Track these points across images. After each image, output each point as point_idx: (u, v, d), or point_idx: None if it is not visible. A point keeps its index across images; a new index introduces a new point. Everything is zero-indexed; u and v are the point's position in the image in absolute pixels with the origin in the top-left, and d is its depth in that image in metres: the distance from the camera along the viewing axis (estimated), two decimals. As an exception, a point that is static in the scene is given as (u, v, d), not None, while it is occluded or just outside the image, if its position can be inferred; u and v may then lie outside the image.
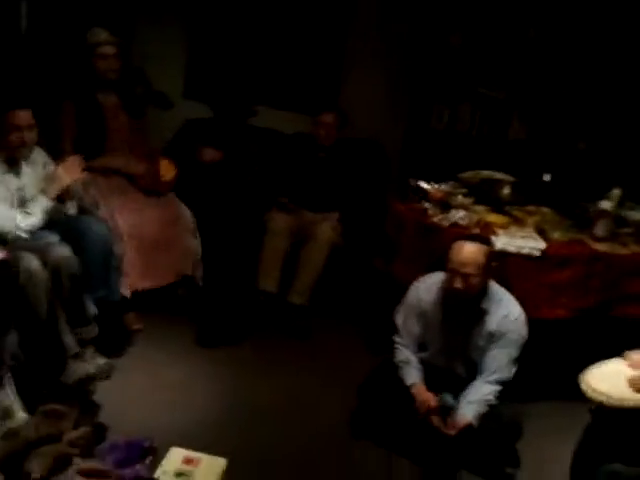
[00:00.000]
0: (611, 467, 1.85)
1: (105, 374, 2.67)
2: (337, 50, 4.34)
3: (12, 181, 2.84)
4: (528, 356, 2.66)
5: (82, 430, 1.49)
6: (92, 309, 2.80)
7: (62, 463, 1.36)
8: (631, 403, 1.84)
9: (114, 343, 3.02)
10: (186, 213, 3.50)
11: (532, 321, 2.71)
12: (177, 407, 2.77)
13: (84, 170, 2.99)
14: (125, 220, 3.19)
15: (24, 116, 2.78)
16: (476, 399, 2.56)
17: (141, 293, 3.25)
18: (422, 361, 2.74)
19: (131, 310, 3.21)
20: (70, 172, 2.91)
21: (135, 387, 2.83)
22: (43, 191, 2.85)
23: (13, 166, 2.85)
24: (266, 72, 4.40)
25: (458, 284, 2.55)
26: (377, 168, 4.22)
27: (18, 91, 3.38)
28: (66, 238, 2.85)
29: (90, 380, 2.60)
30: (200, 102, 4.31)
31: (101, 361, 2.71)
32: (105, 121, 3.40)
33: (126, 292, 3.14)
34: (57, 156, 3.12)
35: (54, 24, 3.92)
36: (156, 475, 2.24)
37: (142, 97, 3.78)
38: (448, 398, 2.61)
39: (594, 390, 1.93)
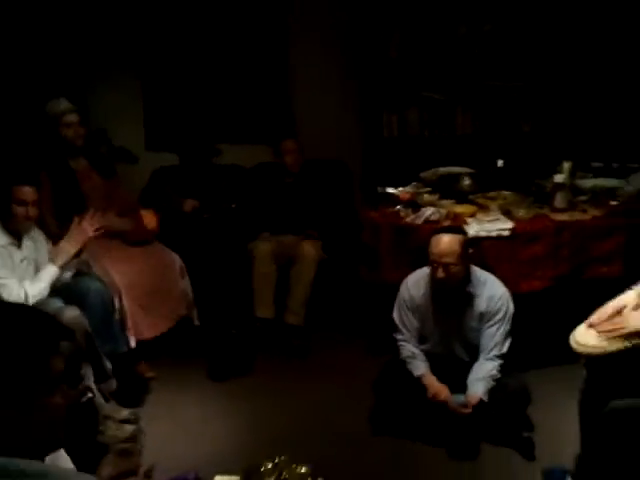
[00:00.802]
0: (613, 404, 2.07)
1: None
2: (282, 77, 4.56)
3: (16, 253, 2.96)
4: (519, 328, 2.88)
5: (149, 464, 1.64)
6: (108, 364, 2.91)
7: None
8: (614, 348, 2.07)
9: (132, 394, 3.13)
10: (174, 257, 3.65)
11: (516, 295, 2.94)
12: (206, 440, 2.89)
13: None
14: (120, 274, 3.31)
15: (29, 192, 2.93)
16: (482, 376, 2.77)
17: (148, 341, 3.36)
18: (426, 352, 2.92)
19: (141, 360, 3.32)
20: (74, 242, 3.06)
21: (161, 431, 2.92)
22: (50, 260, 2.98)
23: (16, 239, 2.98)
24: (220, 110, 4.59)
25: (440, 274, 2.76)
26: (342, 184, 4.44)
27: (21, 167, 3.49)
28: (68, 301, 2.96)
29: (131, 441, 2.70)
30: (163, 152, 4.47)
31: (125, 412, 2.82)
32: (80, 185, 3.52)
33: (132, 342, 3.26)
34: (42, 227, 3.25)
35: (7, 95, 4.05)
36: (208, 504, 2.36)
37: (108, 156, 3.91)
38: (460, 397, 2.77)
39: (579, 344, 2.16)
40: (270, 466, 0.97)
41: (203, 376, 3.43)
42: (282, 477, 0.98)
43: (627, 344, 2.05)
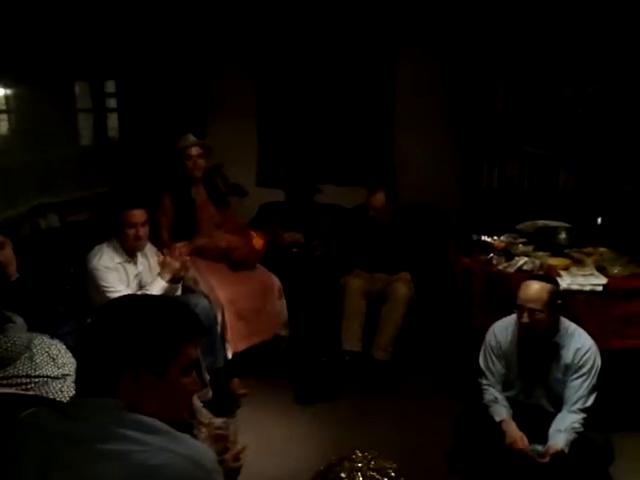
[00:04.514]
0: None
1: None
2: (387, 129, 4.82)
3: (131, 269, 3.30)
4: (606, 385, 2.86)
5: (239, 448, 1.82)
6: (206, 374, 3.16)
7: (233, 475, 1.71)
8: None
9: (224, 406, 3.34)
10: (274, 279, 3.93)
11: (605, 352, 2.92)
12: (287, 458, 3.05)
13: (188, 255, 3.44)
14: (223, 292, 3.60)
15: (139, 214, 3.26)
16: (564, 428, 2.75)
17: (242, 360, 3.60)
18: (509, 399, 2.95)
19: (234, 377, 3.55)
20: (177, 258, 3.35)
21: (246, 443, 3.11)
22: (159, 275, 3.29)
23: (131, 256, 3.32)
24: (326, 154, 4.92)
25: (525, 319, 2.81)
26: (438, 229, 4.57)
27: (132, 192, 3.89)
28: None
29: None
30: (271, 188, 4.83)
31: (218, 421, 3.04)
32: (196, 212, 3.87)
33: (229, 353, 3.52)
34: (156, 243, 3.59)
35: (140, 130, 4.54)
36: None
37: (225, 190, 4.27)
38: (538, 447, 2.77)
39: None
40: (360, 455, 1.10)
41: (290, 398, 3.63)
42: (371, 465, 1.12)
43: None
